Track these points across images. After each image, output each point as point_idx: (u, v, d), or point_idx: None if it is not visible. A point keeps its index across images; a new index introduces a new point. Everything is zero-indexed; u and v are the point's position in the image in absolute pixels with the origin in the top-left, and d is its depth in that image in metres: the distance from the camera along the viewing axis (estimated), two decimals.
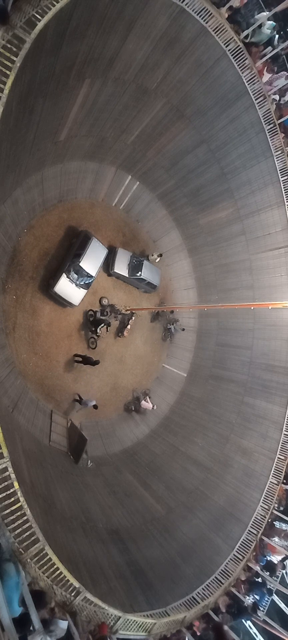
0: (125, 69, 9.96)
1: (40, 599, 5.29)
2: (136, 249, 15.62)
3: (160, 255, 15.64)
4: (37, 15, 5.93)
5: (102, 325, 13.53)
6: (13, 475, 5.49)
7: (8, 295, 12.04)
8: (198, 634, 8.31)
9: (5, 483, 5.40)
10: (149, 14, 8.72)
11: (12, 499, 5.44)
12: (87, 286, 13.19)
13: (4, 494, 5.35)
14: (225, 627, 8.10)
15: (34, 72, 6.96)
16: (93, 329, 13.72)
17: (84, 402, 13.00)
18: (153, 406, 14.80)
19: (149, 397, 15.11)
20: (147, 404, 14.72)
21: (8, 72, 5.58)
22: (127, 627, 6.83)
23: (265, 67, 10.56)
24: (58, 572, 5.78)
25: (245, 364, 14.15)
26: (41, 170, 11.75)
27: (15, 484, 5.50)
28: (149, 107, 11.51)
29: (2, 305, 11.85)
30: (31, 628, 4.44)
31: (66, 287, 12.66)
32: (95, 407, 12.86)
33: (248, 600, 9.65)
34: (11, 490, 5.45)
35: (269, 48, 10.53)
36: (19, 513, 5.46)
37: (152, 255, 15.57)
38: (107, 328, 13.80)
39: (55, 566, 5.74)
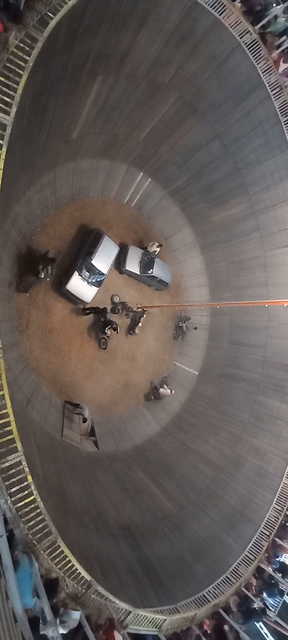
0: (137, 65, 9.90)
1: (52, 589, 5.39)
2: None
3: (160, 245, 15.04)
4: (50, 14, 5.96)
5: (109, 326, 13.38)
6: (27, 469, 5.60)
7: (22, 293, 12.26)
8: (208, 632, 8.28)
9: (19, 476, 5.52)
10: (162, 8, 8.62)
11: (26, 492, 5.56)
12: (98, 284, 13.27)
13: (18, 487, 5.47)
14: (225, 628, 8.06)
15: (46, 71, 7.02)
16: (105, 328, 13.73)
17: (79, 408, 12.56)
18: (171, 391, 14.96)
19: (166, 385, 15.20)
20: (165, 391, 14.89)
21: (21, 72, 5.64)
22: (138, 623, 6.88)
23: (282, 58, 10.26)
24: (70, 564, 5.87)
25: (259, 363, 13.89)
26: (54, 169, 11.88)
27: (29, 478, 5.62)
28: (161, 103, 11.41)
29: (16, 303, 12.10)
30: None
31: (78, 284, 12.79)
32: (84, 420, 12.51)
33: (260, 602, 9.53)
34: (25, 484, 5.57)
35: (284, 38, 10.21)
36: (32, 506, 5.58)
37: (151, 244, 15.02)
38: (115, 330, 13.51)
39: (67, 559, 5.83)
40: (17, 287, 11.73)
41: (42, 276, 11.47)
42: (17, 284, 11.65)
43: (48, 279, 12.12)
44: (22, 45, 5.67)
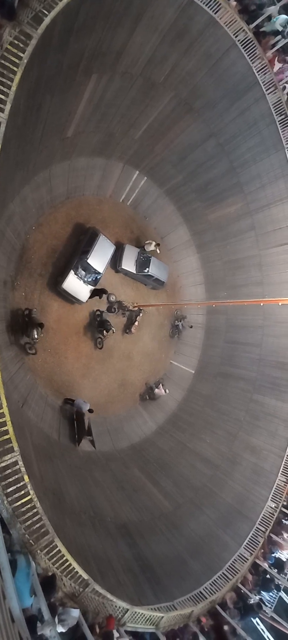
0: (132, 63, 9.88)
1: (51, 586, 5.39)
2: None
3: (158, 245, 14.83)
4: (44, 11, 5.93)
5: (102, 329, 13.37)
6: (23, 469, 5.58)
7: (17, 292, 12.17)
8: (206, 629, 8.33)
9: (16, 476, 5.50)
10: (157, 6, 8.61)
11: (23, 492, 5.54)
12: (94, 283, 13.22)
13: (15, 487, 5.45)
14: (225, 627, 8.14)
15: (41, 68, 6.97)
16: (99, 328, 13.71)
17: (76, 403, 12.47)
18: (165, 391, 14.99)
19: (162, 385, 15.23)
20: (160, 391, 14.93)
21: (15, 69, 5.60)
22: (135, 620, 6.90)
23: (276, 57, 10.33)
24: (67, 563, 5.87)
25: (255, 362, 13.99)
26: (49, 167, 11.81)
27: (26, 477, 5.59)
28: (157, 101, 11.41)
29: (11, 303, 12.01)
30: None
31: (74, 283, 12.73)
32: (90, 411, 12.37)
33: (256, 597, 9.62)
34: (21, 484, 5.55)
35: (279, 37, 10.29)
36: (29, 506, 5.56)
37: (149, 242, 14.75)
38: (108, 331, 13.47)
39: (64, 558, 5.83)
40: (25, 352, 11.84)
41: (36, 336, 11.44)
42: (20, 350, 11.74)
43: (41, 335, 11.93)
44: (16, 42, 5.63)
